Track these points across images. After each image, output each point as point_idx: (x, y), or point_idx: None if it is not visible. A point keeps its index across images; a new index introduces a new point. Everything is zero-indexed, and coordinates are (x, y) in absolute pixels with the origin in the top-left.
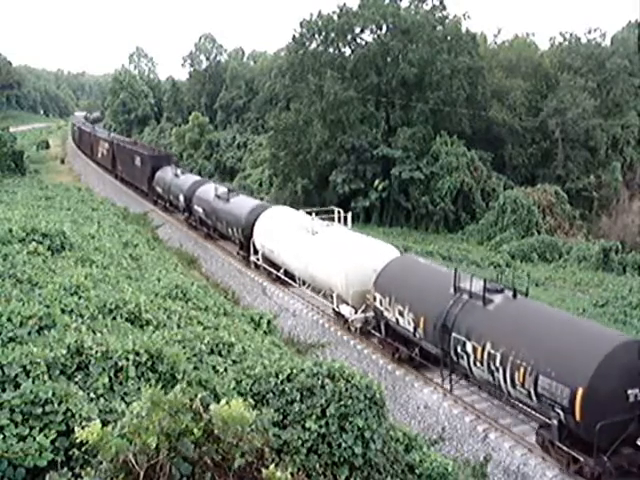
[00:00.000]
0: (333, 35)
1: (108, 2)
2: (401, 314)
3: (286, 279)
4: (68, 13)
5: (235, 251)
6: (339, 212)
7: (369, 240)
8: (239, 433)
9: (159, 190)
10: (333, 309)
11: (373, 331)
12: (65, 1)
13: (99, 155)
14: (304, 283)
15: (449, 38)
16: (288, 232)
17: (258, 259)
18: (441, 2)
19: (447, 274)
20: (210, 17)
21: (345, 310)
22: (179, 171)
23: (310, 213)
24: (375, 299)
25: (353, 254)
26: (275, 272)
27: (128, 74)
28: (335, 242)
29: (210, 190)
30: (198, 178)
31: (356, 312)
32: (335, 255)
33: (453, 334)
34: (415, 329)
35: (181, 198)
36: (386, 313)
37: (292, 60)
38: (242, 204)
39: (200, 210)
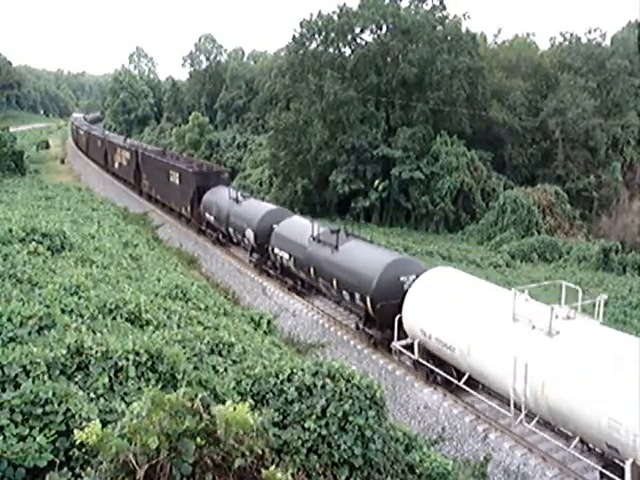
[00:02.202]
0: (333, 35)
1: (108, 2)
2: None
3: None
4: (68, 13)
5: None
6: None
7: None
8: (240, 435)
9: (209, 218)
10: None
11: None
12: (65, 1)
13: (116, 165)
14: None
15: (449, 38)
16: (493, 318)
17: (409, 351)
18: (441, 2)
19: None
20: (210, 17)
21: None
22: (239, 195)
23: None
24: None
25: None
26: (454, 381)
27: (128, 74)
28: (612, 358)
29: (300, 227)
30: (271, 206)
31: None
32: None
33: None
34: None
35: (249, 234)
36: None
37: (292, 60)
38: (371, 256)
39: (286, 256)
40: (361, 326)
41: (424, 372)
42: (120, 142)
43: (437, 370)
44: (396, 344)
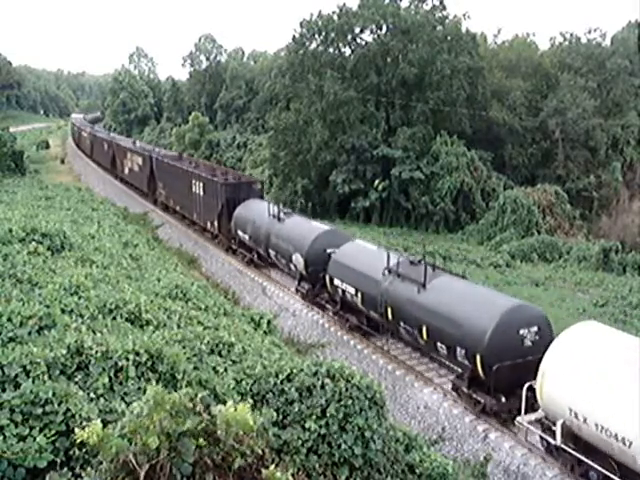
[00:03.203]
0: (333, 35)
1: (108, 2)
2: None
3: None
4: (68, 13)
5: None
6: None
7: None
8: (240, 435)
9: (243, 236)
10: None
11: None
12: (65, 1)
13: (126, 171)
14: None
15: (449, 38)
16: None
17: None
18: (441, 2)
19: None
20: (210, 17)
21: None
22: (281, 211)
23: None
24: None
25: None
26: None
27: (128, 74)
28: None
29: (368, 255)
30: (323, 227)
31: None
32: None
33: None
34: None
35: (298, 260)
36: None
37: (292, 60)
38: (477, 299)
39: (350, 290)
40: (465, 389)
41: (568, 462)
42: (129, 145)
43: (594, 465)
44: (524, 420)
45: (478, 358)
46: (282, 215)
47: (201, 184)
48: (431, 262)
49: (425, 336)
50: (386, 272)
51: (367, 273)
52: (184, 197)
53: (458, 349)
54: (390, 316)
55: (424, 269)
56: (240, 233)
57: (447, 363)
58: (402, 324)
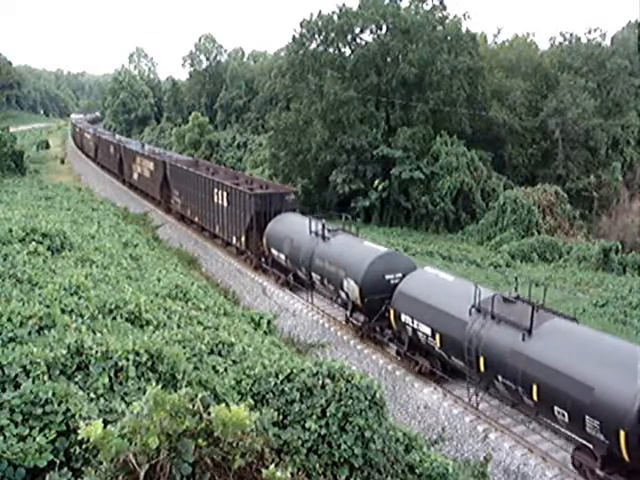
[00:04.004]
0: (333, 35)
1: (108, 2)
2: None
3: None
4: (68, 13)
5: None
6: None
7: None
8: (239, 434)
9: (277, 255)
10: None
11: None
12: (65, 1)
13: (135, 176)
14: None
15: (449, 38)
16: None
17: None
18: (441, 2)
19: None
20: (210, 17)
21: None
22: (325, 228)
23: None
24: None
25: None
26: None
27: (128, 74)
28: None
29: (445, 288)
30: (380, 248)
31: None
32: None
33: None
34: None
35: (350, 287)
36: None
37: (292, 60)
38: (606, 351)
39: (425, 330)
40: (599, 472)
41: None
42: (139, 149)
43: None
44: None
45: (622, 435)
46: (327, 233)
47: (225, 194)
48: (533, 300)
49: (536, 397)
50: (474, 311)
51: (448, 311)
52: (204, 207)
53: (588, 419)
54: (483, 367)
55: (531, 310)
56: (274, 251)
57: (566, 432)
58: (500, 378)
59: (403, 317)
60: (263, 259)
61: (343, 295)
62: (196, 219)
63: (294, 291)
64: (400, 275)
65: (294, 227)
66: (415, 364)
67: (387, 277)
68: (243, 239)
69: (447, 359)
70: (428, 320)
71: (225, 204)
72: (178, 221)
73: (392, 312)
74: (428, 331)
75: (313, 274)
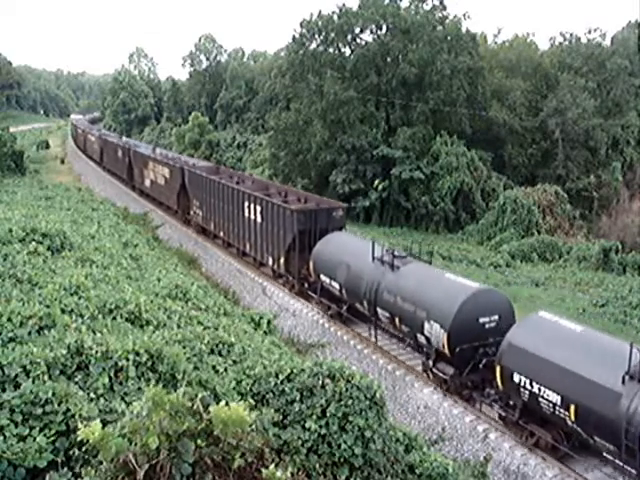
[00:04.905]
0: (333, 35)
1: (108, 2)
2: None
3: None
4: (68, 13)
5: None
6: None
7: None
8: (239, 434)
9: (329, 282)
10: None
11: None
12: (65, 1)
13: (146, 183)
14: None
15: (449, 38)
16: None
17: None
18: (441, 2)
19: None
20: (210, 17)
21: None
22: (392, 254)
23: None
24: None
25: None
26: None
27: (128, 74)
28: None
29: (581, 345)
30: (470, 284)
31: None
32: None
33: None
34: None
35: (433, 331)
36: None
37: (292, 60)
38: None
39: (553, 398)
40: None
41: None
42: (150, 153)
43: None
44: None
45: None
46: (395, 260)
47: (258, 208)
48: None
49: None
50: (628, 380)
51: (588, 376)
52: (231, 222)
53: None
54: None
55: None
56: (324, 278)
57: None
58: None
59: (517, 377)
60: (306, 284)
61: (422, 340)
62: (221, 234)
63: (348, 324)
64: (496, 317)
65: (350, 250)
66: (530, 435)
67: (481, 320)
68: (282, 261)
69: (586, 437)
70: (556, 385)
71: (259, 220)
72: (198, 234)
73: (499, 370)
74: (556, 399)
75: (380, 310)
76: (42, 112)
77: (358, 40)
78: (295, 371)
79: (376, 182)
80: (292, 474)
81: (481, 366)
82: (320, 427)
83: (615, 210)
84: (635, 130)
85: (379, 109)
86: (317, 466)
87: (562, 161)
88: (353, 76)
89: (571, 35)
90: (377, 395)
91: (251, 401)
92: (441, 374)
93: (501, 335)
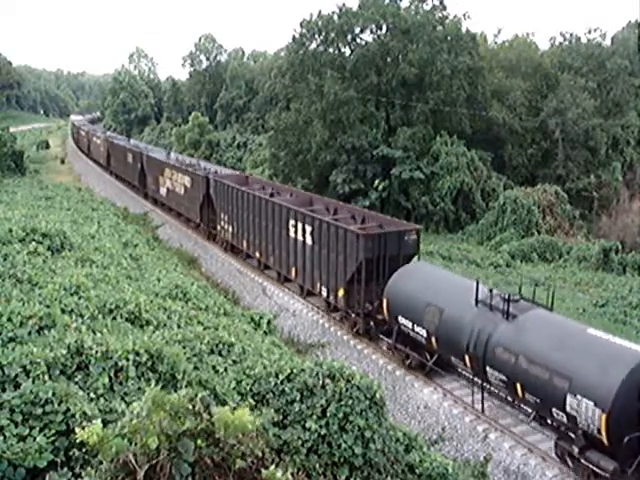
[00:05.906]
0: (333, 35)
1: (108, 2)
2: None
3: None
4: (68, 13)
5: None
6: None
7: None
8: (240, 436)
9: (411, 328)
10: None
11: None
12: (65, 1)
13: (162, 191)
14: None
15: (449, 38)
16: None
17: None
18: (441, 2)
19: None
20: (210, 17)
21: None
22: (505, 300)
23: None
24: None
25: None
26: None
27: (128, 74)
28: None
29: None
30: (634, 347)
31: None
32: None
33: None
34: None
35: (583, 409)
36: None
37: (292, 60)
38: None
39: None
40: None
41: None
42: (164, 158)
43: None
44: None
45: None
46: (508, 307)
47: (308, 228)
48: None
49: None
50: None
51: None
52: (270, 242)
53: None
54: None
55: None
56: (403, 320)
57: None
58: None
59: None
60: (372, 323)
61: (562, 418)
62: (257, 255)
63: (431, 377)
64: None
65: (442, 288)
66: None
67: None
68: (341, 293)
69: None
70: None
71: (308, 242)
72: (225, 252)
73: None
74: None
75: (490, 371)
76: (42, 112)
77: (358, 40)
78: (295, 371)
79: (376, 182)
80: (292, 474)
81: None
82: (320, 427)
83: (615, 210)
84: (635, 130)
85: (379, 109)
86: (317, 466)
87: (562, 161)
88: (353, 76)
89: (571, 35)
90: (377, 395)
91: (251, 401)
92: (600, 468)
93: None
